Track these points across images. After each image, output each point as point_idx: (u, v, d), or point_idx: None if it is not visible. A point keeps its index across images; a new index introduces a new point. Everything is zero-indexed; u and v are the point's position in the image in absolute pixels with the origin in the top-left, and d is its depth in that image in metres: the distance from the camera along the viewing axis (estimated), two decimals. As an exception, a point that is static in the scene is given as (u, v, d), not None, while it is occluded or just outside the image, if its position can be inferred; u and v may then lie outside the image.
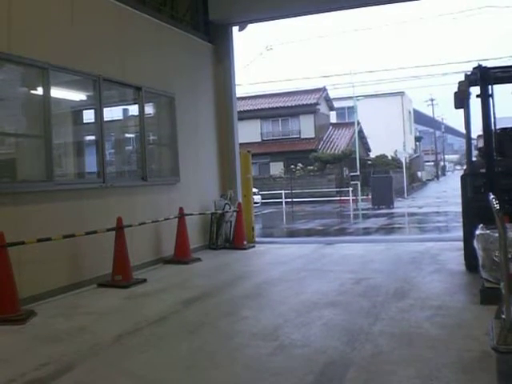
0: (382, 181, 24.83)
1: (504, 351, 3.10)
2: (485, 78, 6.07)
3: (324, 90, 37.83)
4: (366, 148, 39.93)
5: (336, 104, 40.52)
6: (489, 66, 6.25)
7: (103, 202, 7.17)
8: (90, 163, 7.57)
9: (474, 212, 6.02)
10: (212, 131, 10.42)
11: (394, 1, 10.16)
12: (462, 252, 6.68)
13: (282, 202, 27.18)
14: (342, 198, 27.83)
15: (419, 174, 44.50)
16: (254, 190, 16.55)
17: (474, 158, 7.14)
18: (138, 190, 8.09)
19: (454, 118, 66.08)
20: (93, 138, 7.55)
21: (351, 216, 21.66)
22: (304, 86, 38.63)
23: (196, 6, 10.27)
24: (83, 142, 7.96)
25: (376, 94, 42.53)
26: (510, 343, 3.05)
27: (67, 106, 7.41)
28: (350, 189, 27.22)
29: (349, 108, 40.01)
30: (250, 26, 10.93)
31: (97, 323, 5.04)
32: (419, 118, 57.65)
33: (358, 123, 35.44)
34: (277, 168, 34.56)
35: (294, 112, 36.07)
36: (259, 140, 35.63)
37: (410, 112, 49.82)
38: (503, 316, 3.17)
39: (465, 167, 7.46)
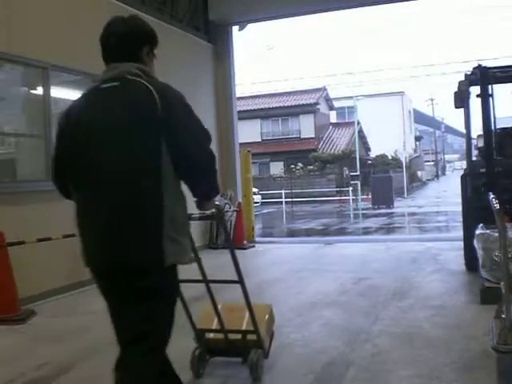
0: (382, 180, 24.82)
1: (504, 351, 3.10)
2: (485, 77, 6.07)
3: (324, 89, 37.83)
4: (366, 148, 39.92)
5: (336, 104, 40.51)
6: (489, 65, 6.25)
7: (103, 202, 7.16)
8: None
9: (474, 212, 6.01)
10: (212, 131, 10.29)
11: (393, 0, 10.17)
12: (462, 252, 6.68)
13: (281, 201, 27.18)
14: (342, 197, 27.84)
15: (419, 173, 44.50)
16: (254, 189, 16.55)
17: (474, 158, 7.14)
18: (138, 189, 8.07)
19: (454, 118, 66.09)
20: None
21: (351, 216, 21.66)
22: (304, 86, 38.73)
23: (196, 6, 10.27)
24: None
25: (376, 94, 42.52)
26: (510, 343, 3.05)
27: (67, 105, 7.40)
28: (350, 188, 27.21)
29: (349, 108, 39.99)
30: (250, 26, 10.95)
31: (97, 323, 5.02)
32: (419, 117, 57.63)
33: (358, 123, 35.43)
34: (277, 168, 34.57)
35: (294, 112, 36.05)
36: (259, 140, 35.61)
37: (409, 112, 49.82)
38: (503, 316, 3.16)
39: (465, 167, 7.45)
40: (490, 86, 6.13)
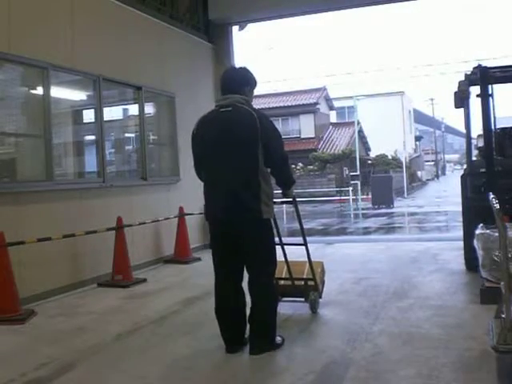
0: (382, 180, 24.84)
1: (504, 351, 3.10)
2: (485, 77, 6.06)
3: (324, 89, 37.80)
4: (366, 147, 39.90)
5: (336, 104, 40.49)
6: (489, 65, 6.25)
7: (103, 202, 7.17)
8: (90, 163, 7.56)
9: (474, 211, 6.01)
10: (212, 131, 10.38)
11: (393, 0, 10.16)
12: (462, 252, 6.68)
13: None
14: (342, 197, 27.81)
15: (419, 173, 44.50)
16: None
17: (474, 158, 7.14)
18: (138, 189, 8.09)
19: (454, 118, 66.09)
20: (93, 137, 7.54)
21: (351, 216, 21.66)
22: (304, 86, 38.68)
23: (196, 6, 10.27)
24: (83, 141, 7.95)
25: (376, 94, 42.48)
26: (509, 343, 3.05)
27: (67, 105, 7.40)
28: (350, 188, 27.19)
29: (349, 108, 39.97)
30: (250, 26, 10.92)
31: (97, 323, 5.04)
32: (419, 117, 57.62)
33: (358, 123, 35.40)
34: (277, 168, 34.48)
35: (294, 112, 36.02)
36: (259, 140, 35.53)
37: (409, 112, 49.79)
38: (503, 315, 3.17)
39: (465, 167, 7.45)
40: (490, 86, 6.13)
